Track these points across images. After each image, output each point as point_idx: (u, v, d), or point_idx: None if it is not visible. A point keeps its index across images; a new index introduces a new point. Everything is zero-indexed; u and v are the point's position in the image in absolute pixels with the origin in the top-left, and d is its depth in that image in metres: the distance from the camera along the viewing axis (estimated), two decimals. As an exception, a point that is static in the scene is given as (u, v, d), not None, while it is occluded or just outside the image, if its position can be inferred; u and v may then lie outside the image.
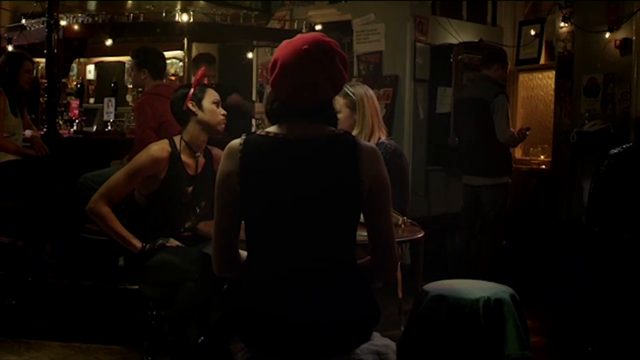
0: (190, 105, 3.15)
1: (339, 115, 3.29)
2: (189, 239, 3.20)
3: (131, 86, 7.49)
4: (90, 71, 8.23)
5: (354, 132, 3.28)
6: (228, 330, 3.13)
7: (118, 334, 3.97)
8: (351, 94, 3.31)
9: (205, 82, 3.24)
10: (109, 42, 5.30)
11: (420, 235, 2.96)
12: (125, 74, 7.80)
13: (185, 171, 3.20)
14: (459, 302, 2.77)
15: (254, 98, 6.69)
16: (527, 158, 6.63)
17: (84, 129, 5.37)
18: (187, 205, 3.22)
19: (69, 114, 5.52)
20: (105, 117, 5.28)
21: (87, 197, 4.31)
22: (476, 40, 6.32)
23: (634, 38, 5.55)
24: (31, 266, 4.63)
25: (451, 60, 6.03)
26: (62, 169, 4.72)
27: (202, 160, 3.26)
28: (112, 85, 5.52)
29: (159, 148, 3.12)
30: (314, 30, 5.67)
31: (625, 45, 5.62)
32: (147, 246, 3.08)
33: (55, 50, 4.96)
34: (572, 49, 6.09)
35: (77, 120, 5.28)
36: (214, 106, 3.18)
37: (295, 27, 5.78)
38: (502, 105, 5.17)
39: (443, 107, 6.14)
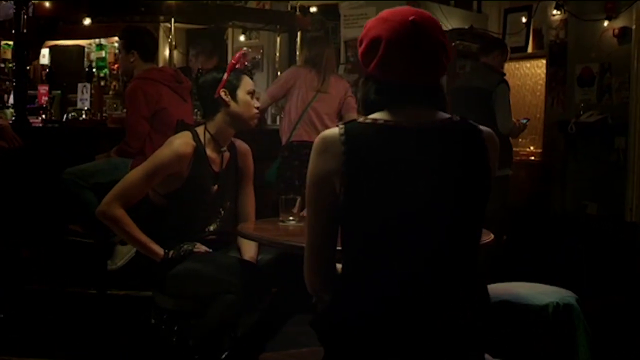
0: (222, 94, 2.76)
1: None
2: (213, 244, 2.82)
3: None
4: (45, 55, 7.61)
5: None
6: (256, 345, 2.82)
7: (109, 346, 3.56)
8: None
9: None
10: (87, 21, 4.82)
11: (491, 238, 2.68)
12: (85, 60, 7.27)
13: (211, 168, 2.82)
14: (528, 308, 2.61)
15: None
16: (516, 149, 6.43)
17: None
18: (212, 206, 2.84)
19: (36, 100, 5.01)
20: (80, 105, 4.81)
21: (73, 194, 3.92)
22: (466, 27, 6.10)
23: (633, 27, 5.42)
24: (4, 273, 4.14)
25: (444, 47, 5.77)
26: (37, 162, 4.24)
27: (226, 155, 2.88)
28: (87, 70, 5.03)
29: (182, 142, 2.73)
30: (307, 11, 5.31)
31: (623, 34, 5.48)
32: (171, 253, 2.69)
33: (25, 31, 4.45)
34: (565, 38, 5.94)
35: (47, 108, 4.78)
36: (248, 97, 2.80)
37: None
38: (504, 94, 4.95)
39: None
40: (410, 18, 1.66)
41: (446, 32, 5.63)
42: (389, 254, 1.65)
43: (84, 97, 4.77)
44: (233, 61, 2.82)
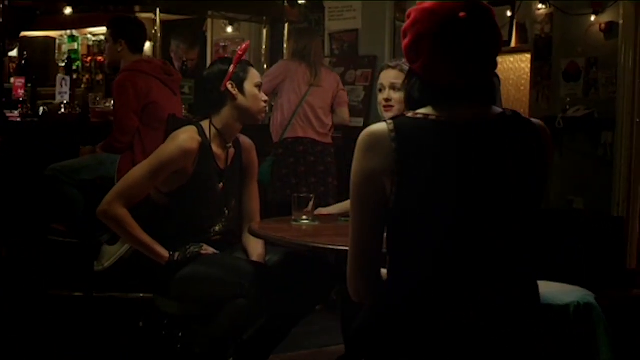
0: (229, 87, 2.62)
1: (402, 94, 2.87)
2: (217, 244, 2.68)
3: (63, 64, 6.73)
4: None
5: None
6: (262, 349, 2.70)
7: (96, 351, 3.39)
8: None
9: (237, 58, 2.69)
10: (68, 10, 4.60)
11: None
12: (57, 52, 7.00)
13: (216, 164, 2.67)
14: (549, 308, 2.50)
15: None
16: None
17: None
18: (217, 205, 2.70)
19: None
20: (58, 98, 4.58)
21: (57, 192, 3.73)
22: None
23: (620, 22, 5.40)
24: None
25: (430, 40, 5.70)
26: (17, 158, 4.02)
27: (231, 151, 2.74)
28: (66, 61, 4.81)
29: (188, 137, 2.58)
30: (295, 2, 5.16)
31: (610, 28, 5.46)
32: (176, 255, 2.54)
33: (1, 20, 4.23)
34: (550, 32, 5.90)
35: (25, 102, 4.55)
36: (256, 90, 2.67)
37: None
38: (496, 88, 4.89)
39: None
40: (461, 14, 1.56)
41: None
42: (444, 256, 1.55)
43: (63, 91, 4.54)
44: (239, 52, 2.68)
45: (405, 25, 1.65)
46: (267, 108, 2.88)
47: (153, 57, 4.62)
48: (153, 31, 4.54)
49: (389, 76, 2.87)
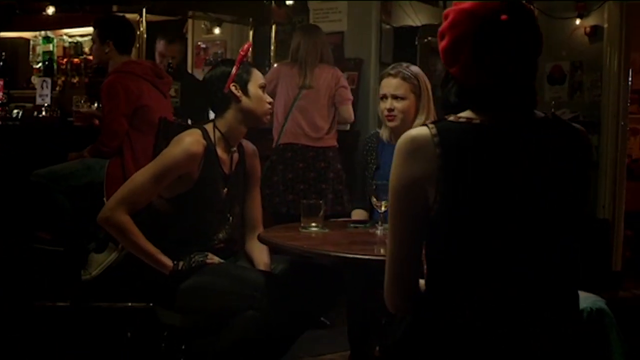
0: (233, 89, 2.52)
1: (404, 103, 2.81)
2: (221, 253, 2.58)
3: (37, 66, 6.54)
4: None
5: (418, 122, 2.81)
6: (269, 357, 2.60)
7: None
8: (414, 77, 2.82)
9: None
10: (50, 10, 4.44)
11: None
12: (31, 53, 6.80)
13: (221, 169, 2.58)
14: None
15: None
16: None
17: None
18: (221, 212, 2.60)
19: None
20: (39, 101, 4.43)
21: (45, 199, 3.59)
22: (435, 24, 5.99)
23: (605, 25, 5.43)
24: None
25: (416, 43, 5.66)
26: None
27: (235, 155, 2.65)
28: (46, 63, 4.65)
29: (193, 140, 2.48)
30: (283, 3, 5.07)
31: (595, 32, 5.49)
32: (181, 264, 2.44)
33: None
34: (535, 35, 5.91)
35: (5, 104, 4.39)
36: (260, 91, 2.57)
37: None
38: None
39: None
40: (503, 17, 1.50)
41: (417, 29, 5.59)
42: (491, 266, 1.50)
43: (43, 93, 4.40)
44: (242, 53, 2.59)
45: (442, 27, 1.60)
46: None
47: (138, 57, 4.49)
48: (138, 32, 4.40)
49: (391, 86, 2.81)
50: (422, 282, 1.61)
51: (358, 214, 2.96)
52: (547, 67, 5.77)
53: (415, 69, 2.88)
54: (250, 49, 5.06)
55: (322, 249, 2.13)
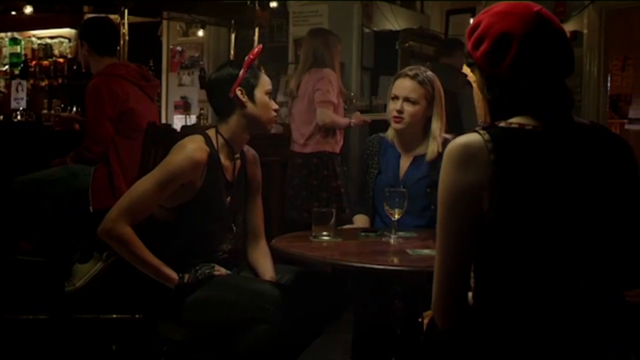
0: (239, 93, 2.41)
1: (415, 108, 2.74)
2: (224, 264, 2.47)
3: (4, 68, 6.32)
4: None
5: (434, 127, 2.75)
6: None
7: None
8: (430, 83, 2.75)
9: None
10: (28, 10, 4.25)
11: None
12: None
13: (225, 177, 2.47)
14: None
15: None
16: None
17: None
18: (225, 221, 2.49)
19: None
20: (14, 105, 4.24)
21: (28, 207, 3.43)
22: (415, 27, 5.98)
23: (585, 31, 5.48)
24: None
25: (397, 47, 5.61)
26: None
27: (238, 162, 2.54)
28: (22, 65, 4.47)
29: (197, 147, 2.36)
30: (266, 6, 4.96)
31: (574, 37, 5.53)
32: (187, 277, 2.32)
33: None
34: (514, 40, 5.93)
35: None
36: (266, 98, 2.45)
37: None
38: (470, 97, 4.83)
39: (387, 97, 5.70)
40: (535, 9, 1.52)
41: (398, 33, 5.56)
42: (545, 277, 1.46)
43: (19, 97, 4.21)
44: (251, 56, 2.45)
45: (477, 32, 1.57)
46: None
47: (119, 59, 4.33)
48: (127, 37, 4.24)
49: (405, 87, 2.74)
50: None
51: (360, 220, 2.87)
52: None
53: (431, 75, 2.80)
54: (233, 52, 5.01)
55: (346, 260, 2.03)
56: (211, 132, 2.46)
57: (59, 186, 3.41)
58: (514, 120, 1.51)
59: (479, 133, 1.47)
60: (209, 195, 2.41)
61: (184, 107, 5.88)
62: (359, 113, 4.64)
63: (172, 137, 3.48)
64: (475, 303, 1.51)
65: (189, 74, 5.93)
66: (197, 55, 6.01)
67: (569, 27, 5.56)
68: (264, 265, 2.53)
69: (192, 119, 5.47)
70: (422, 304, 2.76)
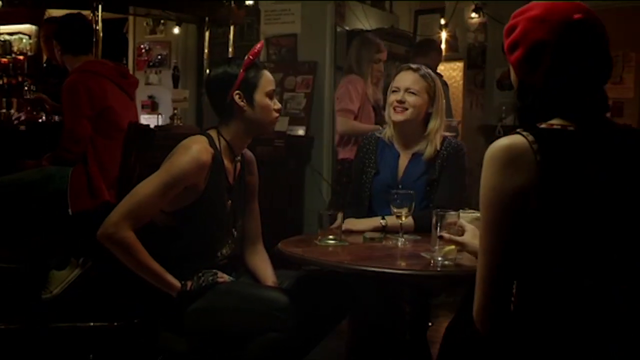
0: (236, 98, 2.30)
1: (417, 99, 2.69)
2: (225, 270, 2.38)
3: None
4: None
5: (433, 124, 2.70)
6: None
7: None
8: (431, 79, 2.71)
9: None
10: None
11: None
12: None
13: (227, 179, 2.37)
14: None
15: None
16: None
17: None
18: (226, 225, 2.40)
19: None
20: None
21: (2, 212, 3.26)
22: (386, 27, 5.95)
23: (556, 32, 5.53)
24: None
25: (370, 47, 5.56)
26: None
27: (238, 165, 2.44)
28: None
29: (202, 148, 2.25)
30: (242, 4, 4.85)
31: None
32: (189, 285, 2.22)
33: None
34: (484, 41, 5.96)
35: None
36: (267, 100, 2.34)
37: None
38: (445, 96, 4.84)
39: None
40: (576, 16, 1.48)
41: (369, 32, 5.52)
42: (591, 280, 1.44)
43: (-18, 95, 4.01)
44: (250, 56, 2.33)
45: (512, 36, 1.55)
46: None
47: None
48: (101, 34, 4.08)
49: (407, 79, 2.70)
50: None
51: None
52: (497, 72, 5.84)
53: (432, 72, 2.78)
54: (207, 51, 4.88)
55: (366, 265, 1.96)
56: (213, 133, 2.36)
57: (34, 189, 3.25)
58: (554, 121, 1.50)
59: (522, 134, 1.45)
60: (212, 199, 2.31)
61: (152, 106, 5.74)
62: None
63: (154, 138, 3.38)
64: (518, 308, 1.48)
65: (156, 73, 5.78)
66: (165, 53, 5.86)
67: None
68: (264, 270, 2.45)
69: (160, 119, 5.32)
70: (431, 308, 2.74)
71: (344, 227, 2.36)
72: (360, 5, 5.81)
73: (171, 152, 2.30)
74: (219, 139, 2.34)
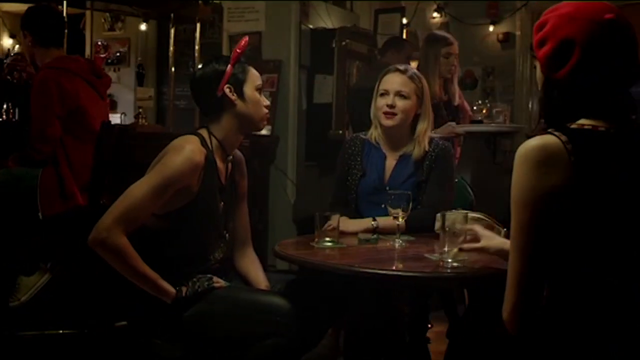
0: (227, 91, 2.23)
1: (407, 103, 2.66)
2: (217, 274, 2.30)
3: None
4: None
5: (422, 126, 2.68)
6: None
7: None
8: (419, 80, 2.69)
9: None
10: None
11: None
12: None
13: (219, 180, 2.30)
14: None
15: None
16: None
17: None
18: (219, 228, 2.32)
19: None
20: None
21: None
22: (349, 26, 5.92)
23: (518, 33, 5.62)
24: None
25: (333, 46, 5.53)
26: None
27: (229, 165, 2.37)
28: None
29: (195, 148, 2.17)
30: (208, 0, 4.73)
31: (507, 39, 5.65)
32: (185, 290, 2.14)
33: None
34: (446, 41, 5.98)
35: None
36: (257, 94, 2.29)
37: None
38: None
39: (322, 96, 5.63)
40: (607, 16, 1.49)
41: (334, 31, 5.48)
42: (624, 282, 1.44)
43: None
44: (238, 50, 2.28)
45: (542, 32, 1.55)
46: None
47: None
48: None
49: (396, 82, 2.67)
50: None
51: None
52: (460, 72, 5.87)
53: (417, 71, 2.75)
54: (173, 49, 4.76)
55: (373, 268, 1.91)
56: (204, 133, 2.28)
57: (1, 191, 3.11)
58: (585, 122, 1.50)
59: (554, 135, 1.44)
60: (205, 201, 2.23)
61: (110, 105, 5.55)
62: (454, 124, 4.26)
63: (128, 138, 3.26)
64: (546, 308, 1.47)
65: (115, 70, 5.61)
66: (123, 50, 5.70)
67: (501, 28, 5.69)
68: (255, 274, 2.39)
69: (124, 119, 5.16)
70: (430, 309, 2.72)
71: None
72: (323, 4, 5.76)
73: (161, 152, 2.21)
74: (210, 139, 2.27)
